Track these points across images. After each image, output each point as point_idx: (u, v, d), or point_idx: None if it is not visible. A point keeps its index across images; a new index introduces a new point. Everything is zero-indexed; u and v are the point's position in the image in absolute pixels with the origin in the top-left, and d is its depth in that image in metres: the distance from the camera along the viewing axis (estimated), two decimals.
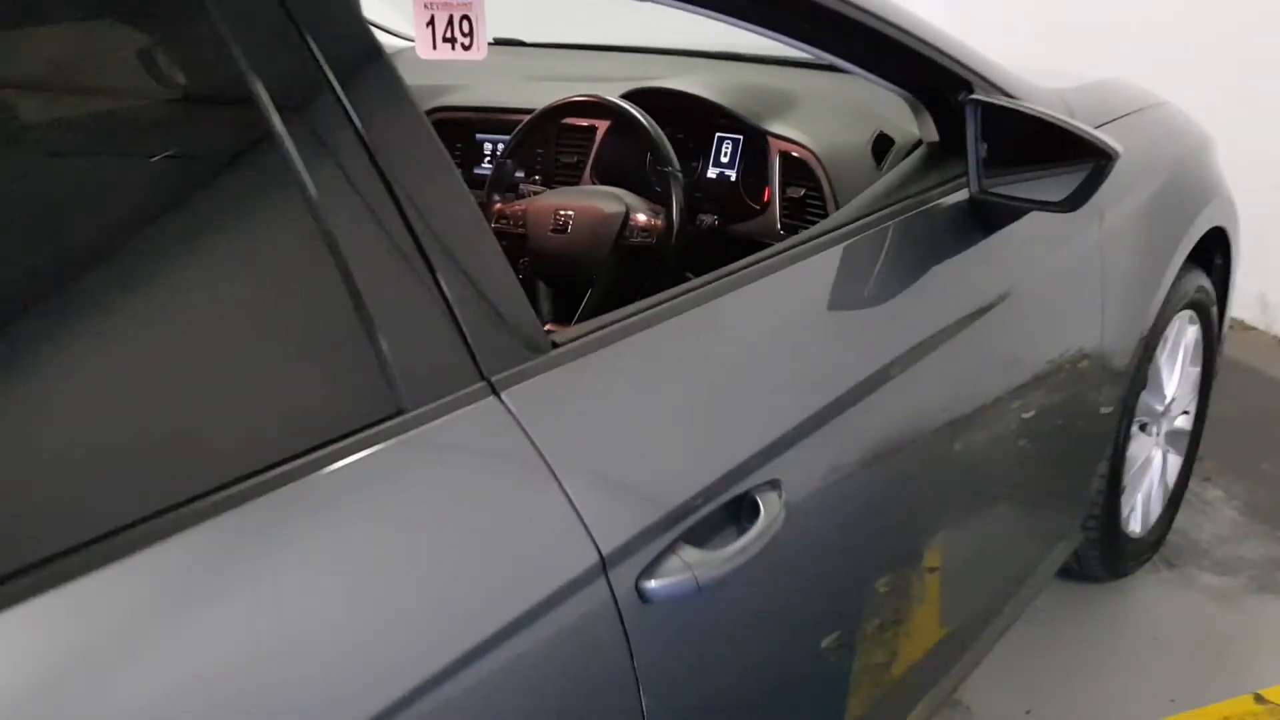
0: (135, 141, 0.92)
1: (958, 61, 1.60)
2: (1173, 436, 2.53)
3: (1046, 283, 1.76)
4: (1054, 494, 2.00)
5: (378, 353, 0.92)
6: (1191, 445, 2.63)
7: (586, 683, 1.04)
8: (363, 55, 0.98)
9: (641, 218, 1.97)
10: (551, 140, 2.36)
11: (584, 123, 2.29)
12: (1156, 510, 2.52)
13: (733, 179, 2.08)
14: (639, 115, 2.01)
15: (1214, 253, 2.48)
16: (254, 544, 0.84)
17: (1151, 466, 2.44)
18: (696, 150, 2.14)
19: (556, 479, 1.02)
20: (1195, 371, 2.55)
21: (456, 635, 0.91)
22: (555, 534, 1.01)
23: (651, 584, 1.06)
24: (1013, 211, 1.61)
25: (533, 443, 1.01)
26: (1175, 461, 2.57)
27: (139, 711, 0.74)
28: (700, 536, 1.11)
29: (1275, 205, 3.43)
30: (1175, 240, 2.14)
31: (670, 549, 1.08)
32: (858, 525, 1.37)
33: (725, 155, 2.09)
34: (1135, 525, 2.44)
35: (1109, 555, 2.36)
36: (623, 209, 1.96)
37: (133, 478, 0.80)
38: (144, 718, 0.74)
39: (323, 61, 0.93)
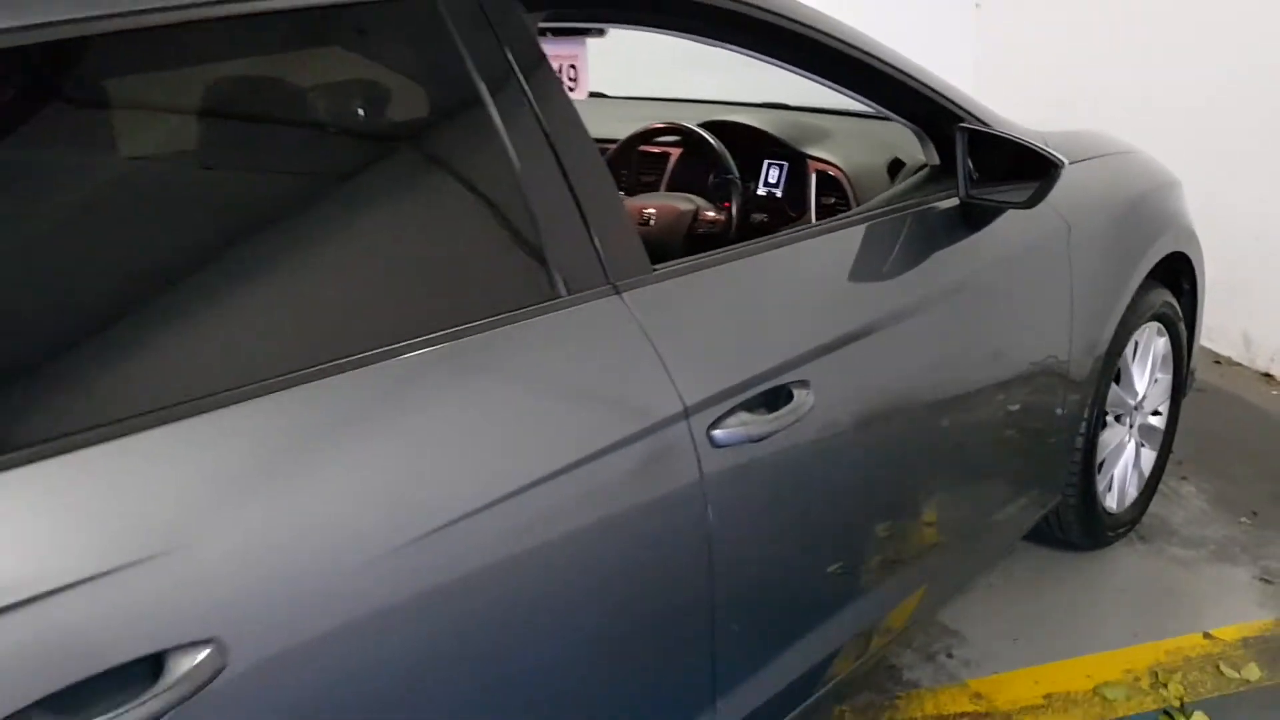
0: (433, 116, 1.48)
1: (951, 100, 2.12)
2: (1146, 431, 2.98)
3: (1020, 274, 2.26)
4: (1031, 444, 2.45)
5: (553, 260, 1.45)
6: (1165, 443, 3.08)
7: (672, 496, 1.54)
8: (541, 73, 1.51)
9: (708, 214, 2.50)
10: (634, 163, 2.91)
11: (658, 149, 2.84)
12: (1132, 493, 2.97)
13: (778, 195, 2.61)
14: (708, 136, 2.55)
15: (1181, 278, 2.96)
16: (473, 363, 1.36)
17: (1125, 452, 2.90)
18: (747, 174, 2.67)
19: (657, 352, 1.53)
20: (1166, 379, 3.01)
21: (582, 442, 1.42)
22: (654, 388, 1.52)
23: (718, 432, 1.56)
24: (991, 211, 2.11)
25: (642, 328, 1.53)
26: (1149, 455, 3.03)
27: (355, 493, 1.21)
28: (753, 406, 1.62)
29: (1254, 254, 3.91)
30: (1135, 257, 2.62)
31: (732, 411, 1.59)
32: (865, 421, 1.86)
33: (772, 177, 2.61)
34: (1111, 502, 2.89)
35: (1088, 524, 2.81)
36: (693, 208, 2.49)
37: (399, 314, 1.32)
38: (350, 501, 1.21)
39: (519, 73, 1.47)
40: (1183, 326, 2.99)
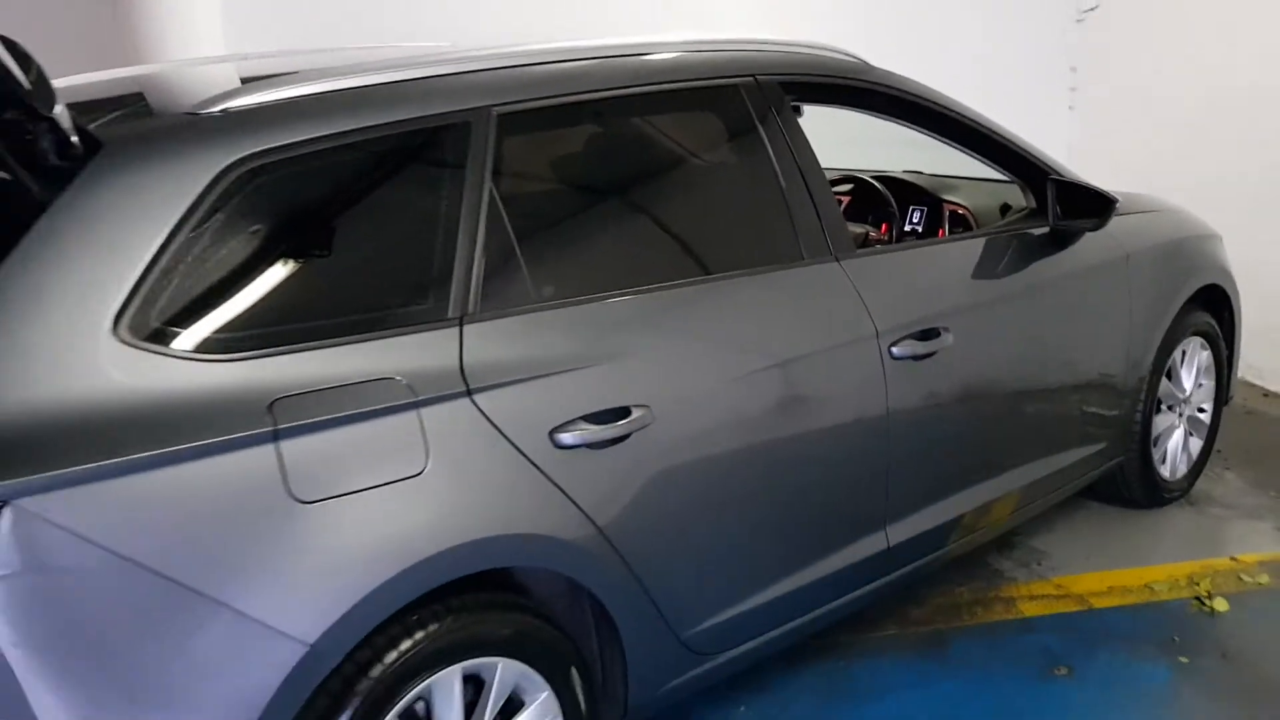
0: (742, 153, 2.61)
1: (1042, 161, 3.18)
2: (1194, 422, 3.93)
3: (1092, 283, 3.28)
4: (1100, 409, 3.42)
5: (803, 241, 2.55)
6: (1210, 435, 4.02)
7: (869, 382, 2.60)
8: (797, 131, 2.62)
9: (873, 234, 3.57)
10: None
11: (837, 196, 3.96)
12: (1182, 469, 3.91)
13: (919, 230, 3.66)
14: (876, 184, 3.65)
15: (1220, 306, 3.92)
16: (772, 285, 2.47)
17: (1175, 434, 3.85)
18: (894, 218, 3.74)
19: (861, 297, 2.61)
20: (1210, 384, 3.96)
21: (822, 340, 2.50)
22: (859, 318, 2.59)
23: (895, 349, 2.64)
24: (1071, 235, 3.15)
25: (852, 283, 2.61)
26: (1197, 443, 3.97)
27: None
28: (917, 336, 2.68)
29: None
30: (1179, 284, 3.61)
31: (904, 339, 2.65)
32: (981, 362, 2.90)
33: (915, 218, 3.67)
34: (1165, 471, 3.83)
35: (1146, 485, 3.76)
36: (865, 231, 3.56)
37: (737, 257, 2.45)
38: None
39: (784, 131, 2.58)
40: (1223, 344, 3.95)
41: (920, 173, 4.04)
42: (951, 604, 3.29)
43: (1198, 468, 4.01)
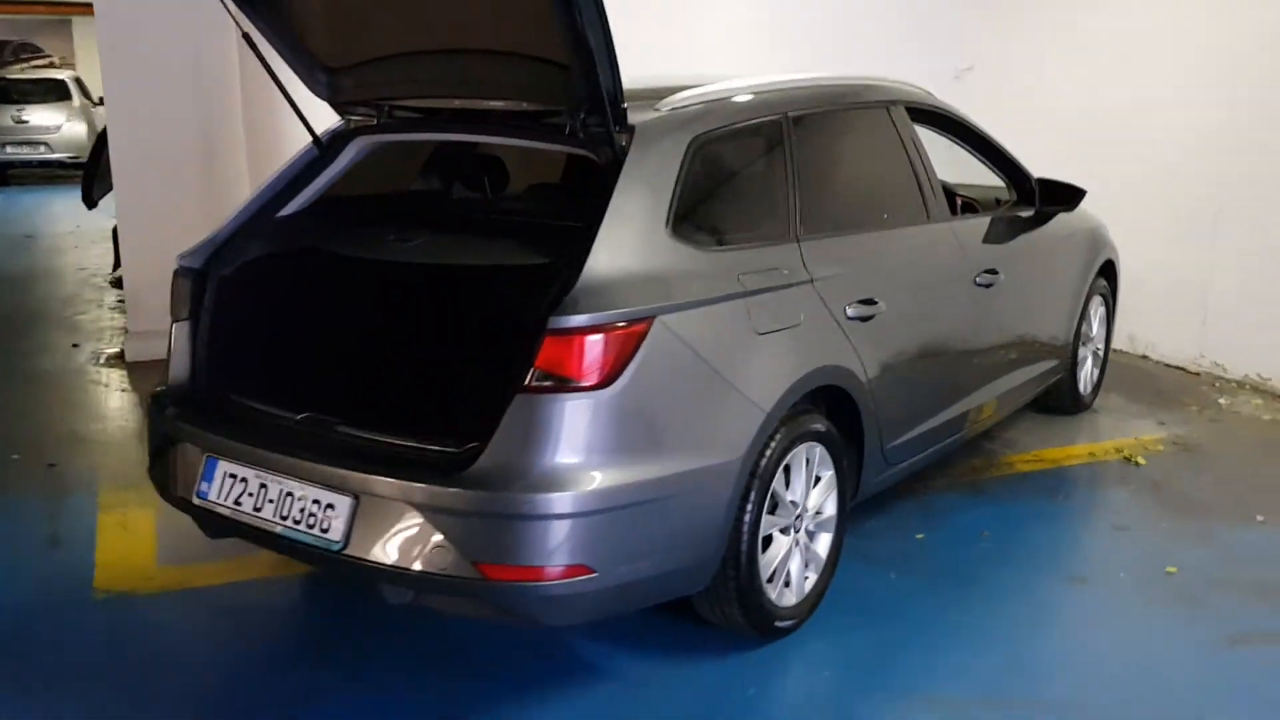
0: (890, 148, 4.08)
1: (1021, 165, 4.80)
2: (1095, 356, 5.66)
3: (1058, 250, 4.92)
4: (1053, 338, 5.04)
5: (929, 207, 4.06)
6: (1103, 366, 5.76)
7: (963, 295, 4.12)
8: (915, 136, 4.11)
9: None
10: None
11: None
12: (1090, 386, 5.63)
13: None
14: None
15: (1110, 275, 5.68)
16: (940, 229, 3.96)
17: (1088, 361, 5.56)
18: None
19: (961, 247, 4.13)
20: (1103, 330, 5.70)
21: (943, 271, 4.02)
22: (962, 256, 4.12)
23: (978, 279, 4.18)
24: (1051, 215, 4.77)
25: (956, 237, 4.14)
26: (1096, 371, 5.70)
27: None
28: (988, 272, 4.23)
29: (1134, 284, 6.68)
30: (1096, 255, 5.33)
31: (983, 272, 4.20)
32: (1016, 293, 4.47)
33: None
34: (1083, 387, 5.53)
35: (1072, 396, 5.44)
36: None
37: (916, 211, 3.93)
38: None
39: (910, 135, 4.07)
40: (1111, 301, 5.71)
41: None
42: (972, 467, 4.82)
43: (1098, 387, 5.74)
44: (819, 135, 3.69)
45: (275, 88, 3.48)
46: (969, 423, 4.37)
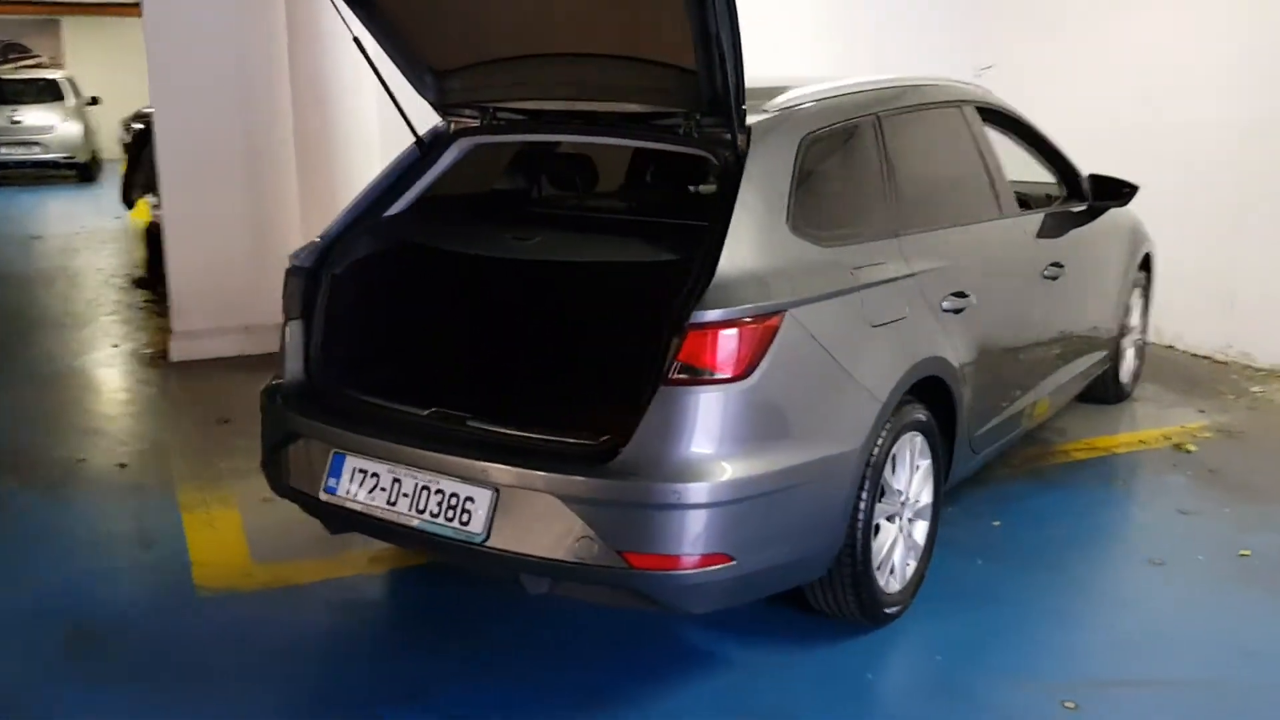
0: (960, 144, 4.18)
1: (1073, 162, 4.92)
2: (1135, 346, 5.79)
3: (1109, 243, 5.05)
4: (1102, 327, 5.17)
5: (1002, 202, 4.16)
6: (1142, 356, 5.90)
7: (1037, 297, 4.23)
8: (983, 132, 4.21)
9: None
10: None
11: None
12: (1130, 377, 5.76)
13: None
14: None
15: (1148, 267, 5.82)
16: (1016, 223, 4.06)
17: (1129, 352, 5.69)
18: None
19: (1034, 240, 4.24)
20: (1143, 321, 5.84)
21: (1018, 264, 4.13)
22: (1034, 253, 4.23)
23: (1045, 273, 4.29)
24: (1102, 210, 4.89)
25: (1025, 231, 4.24)
26: (1136, 360, 5.84)
27: None
28: (1053, 265, 4.34)
29: (1161, 276, 6.82)
30: (1138, 249, 5.47)
31: (1050, 265, 4.31)
32: (1076, 283, 4.59)
33: None
34: (1125, 377, 5.67)
35: (1115, 386, 5.57)
36: None
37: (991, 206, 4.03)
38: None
39: (980, 132, 4.18)
40: (1148, 294, 5.85)
41: None
42: (1030, 456, 4.94)
43: (1137, 377, 5.87)
44: (906, 133, 3.78)
45: (381, 90, 3.53)
46: (1036, 412, 4.48)
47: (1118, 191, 4.89)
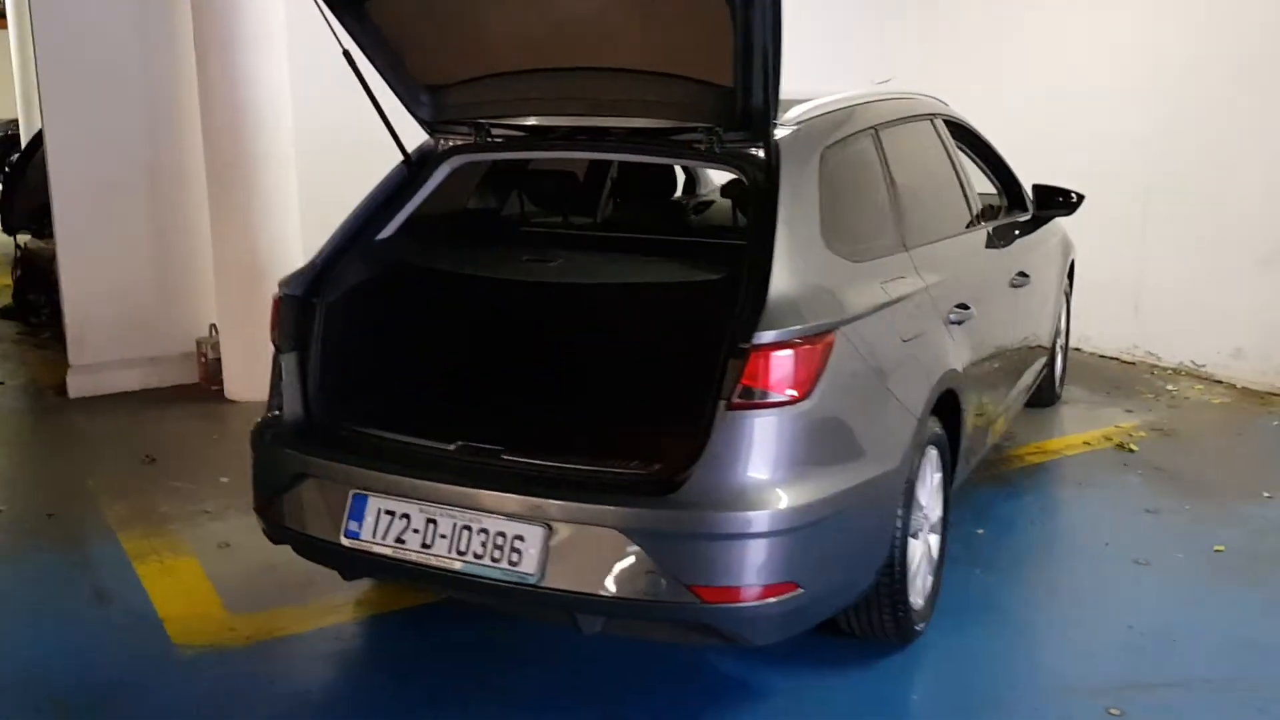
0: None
1: (1015, 175, 5.04)
2: (1060, 350, 5.98)
3: (1050, 250, 5.19)
4: (1046, 335, 5.32)
5: (972, 210, 4.21)
6: (1065, 358, 6.09)
7: (1008, 303, 4.30)
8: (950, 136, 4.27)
9: None
10: None
11: None
12: (1059, 378, 5.95)
13: None
14: None
15: (1071, 274, 6.02)
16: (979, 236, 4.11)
17: (1058, 356, 5.87)
18: None
19: (1003, 252, 4.31)
20: (1066, 326, 6.04)
21: (996, 273, 4.19)
22: (1003, 264, 4.30)
23: (1013, 280, 4.36)
24: (1047, 219, 5.02)
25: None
26: (1061, 363, 6.02)
27: None
28: (1020, 275, 4.43)
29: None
30: (1067, 257, 5.64)
31: (1017, 274, 4.38)
32: (1034, 290, 4.69)
33: None
34: (1057, 382, 5.84)
35: (1050, 389, 5.73)
36: None
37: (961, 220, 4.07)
38: None
39: (951, 139, 4.23)
40: (1069, 291, 6.05)
41: None
42: (989, 462, 5.00)
43: (1063, 380, 6.06)
44: (899, 146, 3.78)
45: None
46: (1004, 419, 4.56)
47: (1063, 201, 5.02)
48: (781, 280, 2.80)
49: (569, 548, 2.72)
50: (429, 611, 3.58)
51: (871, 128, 3.58)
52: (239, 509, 4.42)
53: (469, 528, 2.81)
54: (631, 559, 2.67)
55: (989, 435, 4.34)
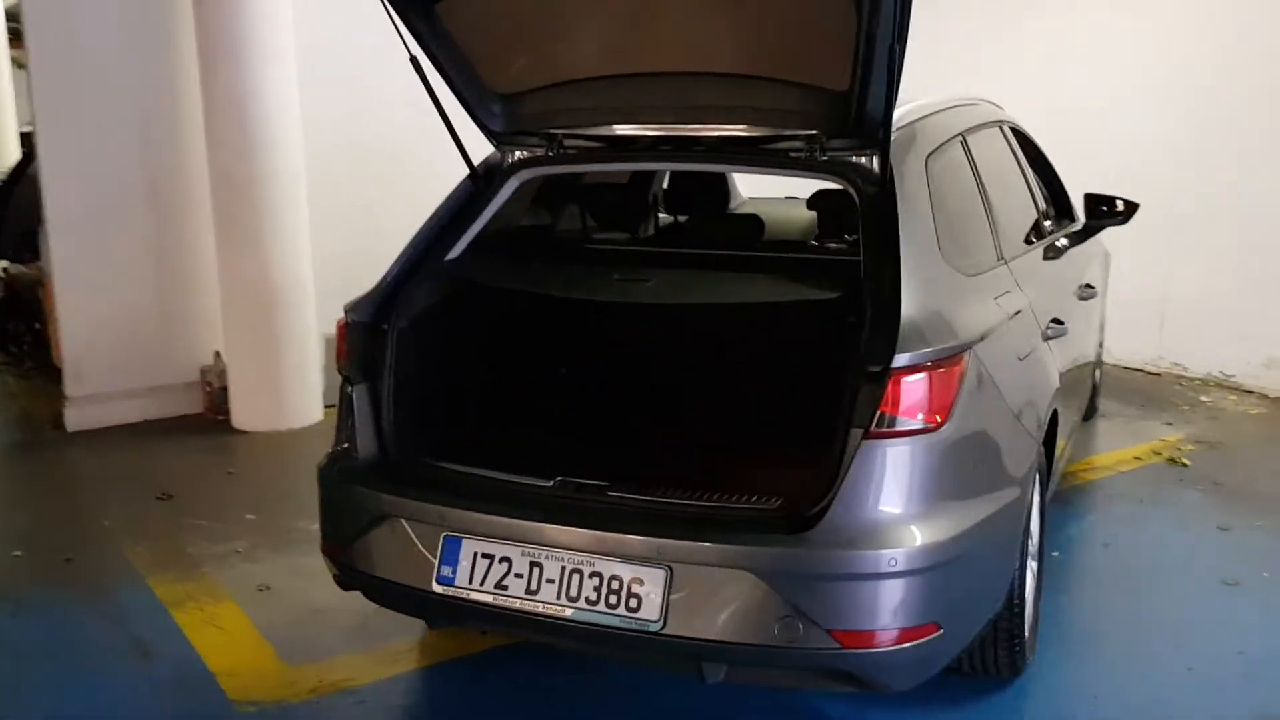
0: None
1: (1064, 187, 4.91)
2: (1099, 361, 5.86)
3: (1097, 259, 5.05)
4: (1095, 347, 5.18)
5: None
6: (1100, 368, 5.97)
7: (1080, 313, 4.15)
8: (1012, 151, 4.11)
9: None
10: None
11: None
12: (1098, 390, 5.82)
13: None
14: None
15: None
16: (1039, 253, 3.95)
17: (1098, 369, 5.74)
18: None
19: (1074, 263, 4.16)
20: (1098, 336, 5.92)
21: (1067, 288, 4.03)
22: (1075, 273, 4.14)
23: (1078, 292, 4.21)
24: (1098, 228, 4.88)
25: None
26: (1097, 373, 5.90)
27: None
28: (1085, 287, 4.27)
29: None
30: (1108, 264, 5.51)
31: (1080, 285, 4.23)
32: (1087, 315, 4.54)
33: None
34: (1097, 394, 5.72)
35: (1092, 402, 5.59)
36: None
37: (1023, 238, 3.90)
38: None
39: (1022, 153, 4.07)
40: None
41: None
42: None
43: (1100, 391, 5.94)
44: (984, 154, 3.62)
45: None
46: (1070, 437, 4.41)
47: (1114, 210, 4.89)
48: (911, 298, 2.61)
49: (693, 591, 2.50)
50: (502, 655, 3.34)
51: (960, 134, 3.41)
52: (271, 548, 4.17)
53: (579, 571, 2.58)
54: (764, 602, 2.45)
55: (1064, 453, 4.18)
